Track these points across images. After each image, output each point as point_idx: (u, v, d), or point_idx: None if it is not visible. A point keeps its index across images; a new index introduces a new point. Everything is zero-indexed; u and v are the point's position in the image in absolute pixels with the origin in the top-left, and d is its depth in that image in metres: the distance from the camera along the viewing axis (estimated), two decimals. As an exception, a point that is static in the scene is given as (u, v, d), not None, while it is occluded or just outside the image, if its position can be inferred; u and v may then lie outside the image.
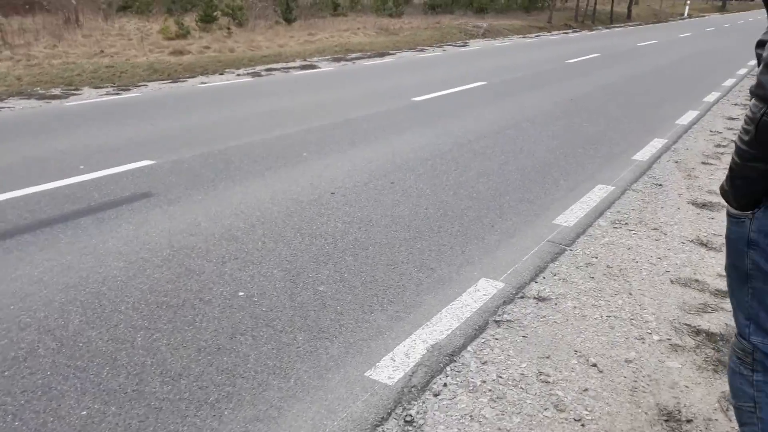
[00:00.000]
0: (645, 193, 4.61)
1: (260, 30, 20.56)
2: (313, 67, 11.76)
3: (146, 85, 9.32)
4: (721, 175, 5.14)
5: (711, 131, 6.79)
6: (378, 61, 13.09)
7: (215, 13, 21.76)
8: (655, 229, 3.88)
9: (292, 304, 2.80)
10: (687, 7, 49.46)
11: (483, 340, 2.54)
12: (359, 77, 10.56)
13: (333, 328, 2.62)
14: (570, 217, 4.04)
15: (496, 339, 2.56)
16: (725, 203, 1.45)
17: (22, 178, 4.62)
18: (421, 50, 15.67)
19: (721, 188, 1.47)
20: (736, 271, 1.44)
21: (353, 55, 14.02)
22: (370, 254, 3.37)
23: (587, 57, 14.26)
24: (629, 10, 39.03)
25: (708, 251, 3.54)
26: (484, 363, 2.37)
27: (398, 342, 2.51)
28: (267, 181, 4.67)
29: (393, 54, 14.48)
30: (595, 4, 34.92)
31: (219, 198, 4.26)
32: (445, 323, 2.66)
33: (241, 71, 11.02)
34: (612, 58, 14.63)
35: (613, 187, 4.69)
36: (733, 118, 7.54)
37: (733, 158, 1.35)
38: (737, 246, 1.41)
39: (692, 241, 3.69)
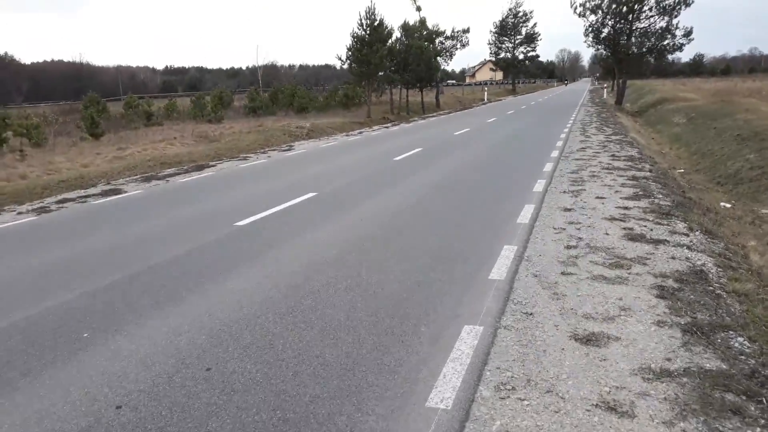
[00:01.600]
0: (518, 330, 3.91)
1: (62, 149, 18.34)
2: (117, 191, 10.19)
3: None
4: (585, 286, 4.66)
5: (554, 228, 6.52)
6: (196, 176, 11.86)
7: (5, 134, 19.13)
8: (548, 391, 3.11)
9: None
10: (486, 93, 54.92)
11: None
12: (172, 200, 9.25)
13: None
14: (445, 389, 3.15)
15: None
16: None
17: None
18: (245, 158, 14.74)
19: None
20: None
21: (168, 171, 12.65)
22: None
23: (412, 152, 14.31)
24: (437, 100, 42.09)
25: (620, 419, 2.81)
26: None
27: None
28: (20, 398, 3.22)
29: (213, 166, 13.34)
30: (407, 96, 37.14)
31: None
32: None
33: (25, 207, 9.15)
34: (435, 150, 14.86)
35: (482, 327, 3.94)
36: (568, 209, 7.45)
37: None
38: None
39: (597, 405, 2.95)
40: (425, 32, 37.02)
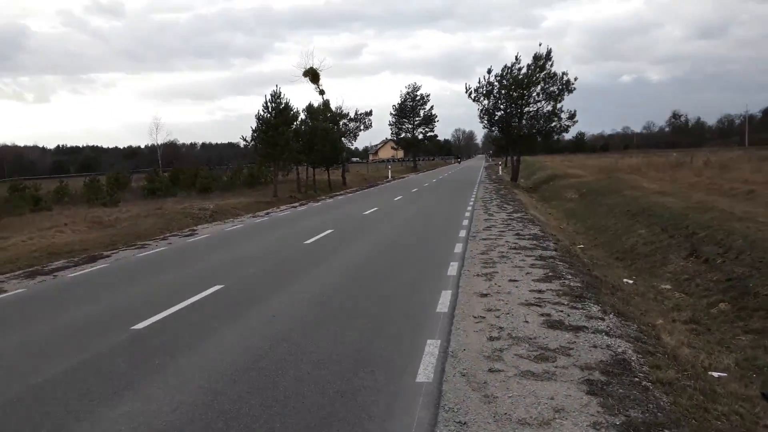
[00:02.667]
0: (454, 444, 3.63)
1: (-72, 240, 16.47)
2: (-6, 291, 9.11)
3: None
4: (515, 385, 4.50)
5: (474, 317, 6.41)
6: (88, 269, 10.90)
7: None
8: None
9: None
10: (390, 171, 56.43)
11: None
12: (61, 300, 8.35)
13: None
14: None
15: None
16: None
17: None
18: (143, 246, 13.85)
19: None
20: None
21: (56, 264, 11.57)
22: None
23: (322, 234, 14.08)
24: (344, 178, 42.62)
25: None
26: None
27: None
28: None
29: (107, 256, 12.38)
30: (314, 175, 37.33)
31: None
32: None
33: None
34: (346, 232, 14.72)
35: (416, 444, 3.62)
36: (484, 294, 7.41)
37: None
38: None
39: None
40: (329, 114, 37.82)
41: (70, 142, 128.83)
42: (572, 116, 34.56)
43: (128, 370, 5.17)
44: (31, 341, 6.24)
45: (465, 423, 3.91)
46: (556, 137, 39.00)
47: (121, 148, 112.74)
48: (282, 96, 29.34)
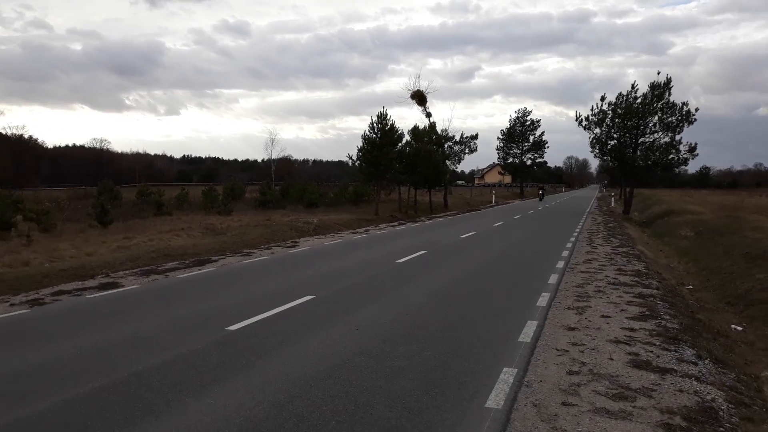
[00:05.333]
0: (513, 472, 3.61)
1: (69, 235, 18.49)
2: (115, 285, 10.08)
3: None
4: (586, 420, 4.38)
5: (557, 350, 6.27)
6: (196, 271, 11.77)
7: (14, 219, 19.36)
8: None
9: None
10: (494, 196, 55.71)
11: None
12: (168, 298, 9.10)
13: None
14: None
15: None
16: None
17: None
18: (248, 253, 14.70)
19: None
20: None
21: (169, 265, 12.58)
22: None
23: (416, 254, 14.24)
24: (445, 200, 42.65)
25: None
26: None
27: None
28: None
29: (215, 261, 13.28)
30: (416, 195, 37.69)
31: None
32: None
33: (19, 298, 9.01)
34: (439, 254, 14.79)
35: (474, 467, 3.64)
36: (572, 328, 7.21)
37: None
38: None
39: None
40: (434, 136, 38.14)
41: (195, 153, 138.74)
42: (692, 149, 32.49)
43: (218, 366, 5.57)
44: (136, 334, 6.87)
45: (528, 453, 3.87)
46: (676, 170, 36.81)
47: (239, 160, 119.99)
48: (388, 117, 30.07)
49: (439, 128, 40.06)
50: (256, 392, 4.89)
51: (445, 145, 40.55)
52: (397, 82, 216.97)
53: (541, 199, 57.46)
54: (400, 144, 32.58)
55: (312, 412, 4.47)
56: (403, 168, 33.53)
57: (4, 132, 74.33)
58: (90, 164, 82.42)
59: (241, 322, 7.22)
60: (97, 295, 9.29)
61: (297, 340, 6.50)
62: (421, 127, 37.51)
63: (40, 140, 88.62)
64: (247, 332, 6.85)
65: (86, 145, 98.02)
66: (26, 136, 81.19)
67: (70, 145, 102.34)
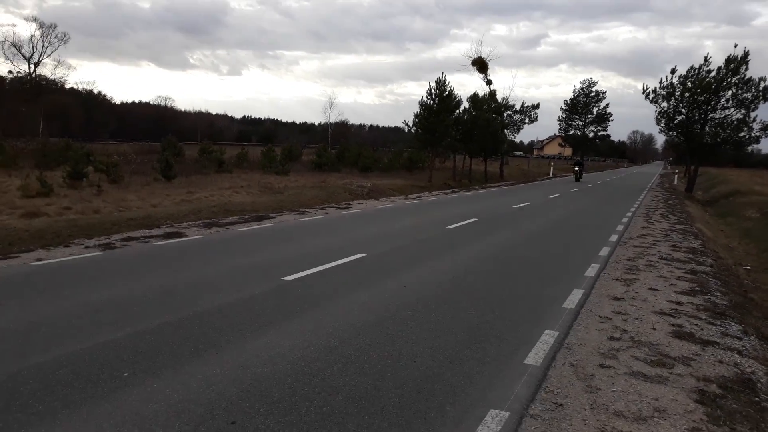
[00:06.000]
0: (545, 420, 3.83)
1: (135, 187, 19.46)
2: (179, 235, 10.70)
3: (-38, 263, 7.77)
4: (621, 382, 4.53)
5: (600, 317, 6.38)
6: (255, 226, 12.30)
7: (86, 169, 20.50)
8: (565, 490, 3.03)
9: None
10: (552, 168, 54.65)
11: None
12: (228, 249, 9.61)
13: None
14: (460, 474, 3.11)
15: None
16: None
17: None
18: (303, 213, 15.18)
19: None
20: None
21: (229, 219, 13.18)
22: None
23: (467, 221, 14.37)
24: (501, 170, 42.20)
25: None
26: None
27: None
28: (57, 429, 3.40)
29: (272, 218, 13.81)
30: (471, 164, 37.46)
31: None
32: None
33: (92, 242, 9.72)
34: (490, 222, 14.86)
35: (508, 413, 3.88)
36: (618, 298, 7.28)
37: None
38: None
39: None
40: (494, 105, 37.59)
41: (255, 114, 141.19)
42: (766, 127, 30.93)
43: (274, 311, 5.97)
44: (199, 279, 7.36)
45: (561, 405, 4.08)
46: (748, 149, 35.05)
47: (298, 123, 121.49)
48: (446, 83, 29.83)
49: (499, 96, 39.46)
50: (308, 335, 5.25)
51: (505, 114, 39.92)
52: (459, 47, 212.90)
53: (577, 179, 42.00)
54: (457, 111, 32.34)
55: (359, 356, 4.79)
56: (460, 136, 33.33)
57: (76, 87, 77.50)
58: (154, 121, 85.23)
59: (296, 274, 7.61)
60: (163, 242, 9.91)
61: (347, 293, 6.84)
62: (480, 94, 37.03)
63: (108, 96, 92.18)
64: (301, 283, 7.24)
65: (151, 102, 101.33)
66: (96, 92, 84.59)
67: (137, 101, 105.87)
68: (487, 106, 36.62)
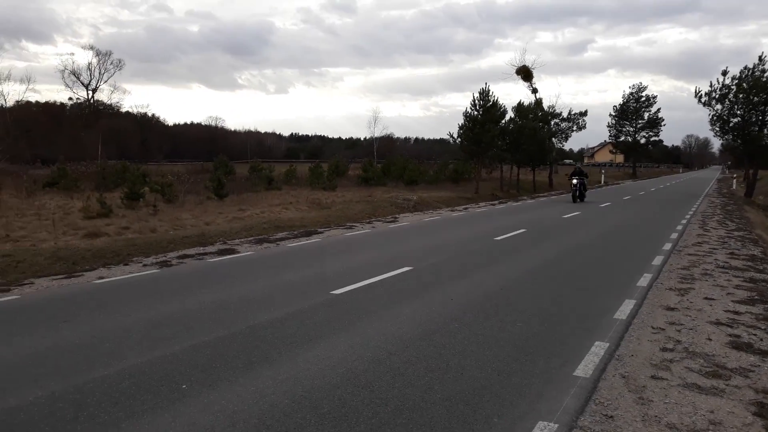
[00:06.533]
0: (595, 432, 3.80)
1: (189, 206, 20.12)
2: (231, 251, 11.03)
3: (32, 283, 8.24)
4: (675, 394, 4.44)
5: (653, 328, 6.25)
6: (304, 241, 12.56)
7: (142, 190, 21.34)
8: (616, 503, 3.01)
9: None
10: (603, 176, 53.46)
11: None
12: (279, 264, 9.86)
13: None
14: (508, 485, 3.13)
15: None
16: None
17: None
18: (350, 227, 15.39)
19: None
20: None
21: (279, 235, 13.49)
22: None
23: (515, 233, 14.26)
24: (550, 179, 41.56)
25: None
26: None
27: None
28: (121, 439, 3.60)
29: (321, 233, 14.05)
30: (518, 174, 37.08)
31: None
32: None
33: (150, 260, 10.13)
34: (539, 233, 14.69)
35: (557, 425, 3.87)
36: (671, 308, 7.10)
37: None
38: None
39: None
40: (540, 113, 37.19)
41: (302, 131, 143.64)
42: (830, 126, 29.52)
43: (323, 324, 6.11)
44: (251, 294, 7.59)
45: (611, 417, 4.03)
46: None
47: (344, 138, 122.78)
48: (490, 93, 29.74)
49: (546, 104, 39.01)
50: (357, 348, 5.35)
51: (552, 122, 39.40)
52: (503, 57, 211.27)
53: (577, 197, 26.27)
54: (503, 121, 32.16)
55: (407, 368, 4.86)
56: (506, 145, 33.10)
57: (131, 111, 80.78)
58: (205, 141, 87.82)
59: (344, 288, 7.75)
60: (217, 259, 10.24)
61: (395, 306, 6.92)
62: (526, 103, 36.72)
63: (162, 118, 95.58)
64: (350, 296, 7.37)
65: (203, 123, 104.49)
66: (150, 114, 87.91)
67: (188, 122, 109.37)
68: (533, 114, 36.26)
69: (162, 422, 3.83)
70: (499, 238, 13.31)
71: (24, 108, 63.17)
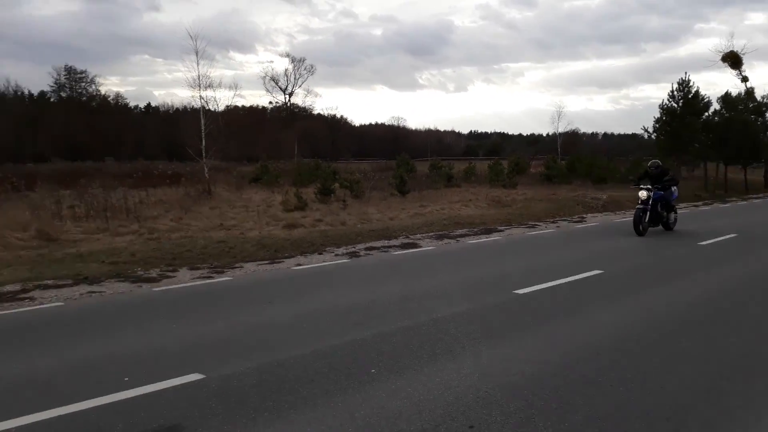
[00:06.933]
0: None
1: (375, 202, 21.11)
2: (414, 245, 11.33)
3: (242, 267, 9.23)
4: None
5: None
6: (484, 239, 12.47)
7: (333, 186, 22.85)
8: None
9: None
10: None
11: None
12: (459, 260, 9.90)
13: None
14: None
15: None
16: None
17: (30, 401, 4.18)
18: (533, 226, 14.94)
19: None
20: None
21: (459, 231, 13.56)
22: None
23: (723, 237, 12.73)
24: (766, 178, 36.51)
25: None
26: None
27: None
28: (316, 414, 3.86)
29: (501, 231, 13.84)
30: (726, 172, 33.15)
31: (252, 441, 3.49)
32: None
33: (341, 250, 10.80)
34: (753, 238, 12.97)
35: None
36: None
37: None
38: None
39: None
40: (752, 105, 32.84)
41: (480, 128, 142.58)
42: None
43: (506, 324, 6.00)
44: (434, 287, 7.71)
45: None
46: None
47: (524, 134, 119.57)
48: (691, 83, 26.93)
49: (759, 94, 34.32)
50: (542, 351, 5.17)
51: (767, 114, 34.56)
52: (705, 43, 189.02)
53: (640, 224, 12.78)
54: (706, 113, 28.94)
55: (598, 377, 4.56)
56: (711, 141, 29.73)
57: (322, 113, 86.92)
58: (388, 140, 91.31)
59: (528, 288, 7.53)
60: (400, 252, 10.59)
61: (583, 311, 6.57)
62: (734, 93, 32.64)
63: (349, 119, 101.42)
64: (534, 297, 7.14)
65: (386, 123, 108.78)
66: (338, 116, 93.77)
67: (373, 123, 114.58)
68: (744, 105, 32.12)
69: (353, 402, 4.04)
70: (703, 243, 11.97)
71: (232, 112, 71.19)
